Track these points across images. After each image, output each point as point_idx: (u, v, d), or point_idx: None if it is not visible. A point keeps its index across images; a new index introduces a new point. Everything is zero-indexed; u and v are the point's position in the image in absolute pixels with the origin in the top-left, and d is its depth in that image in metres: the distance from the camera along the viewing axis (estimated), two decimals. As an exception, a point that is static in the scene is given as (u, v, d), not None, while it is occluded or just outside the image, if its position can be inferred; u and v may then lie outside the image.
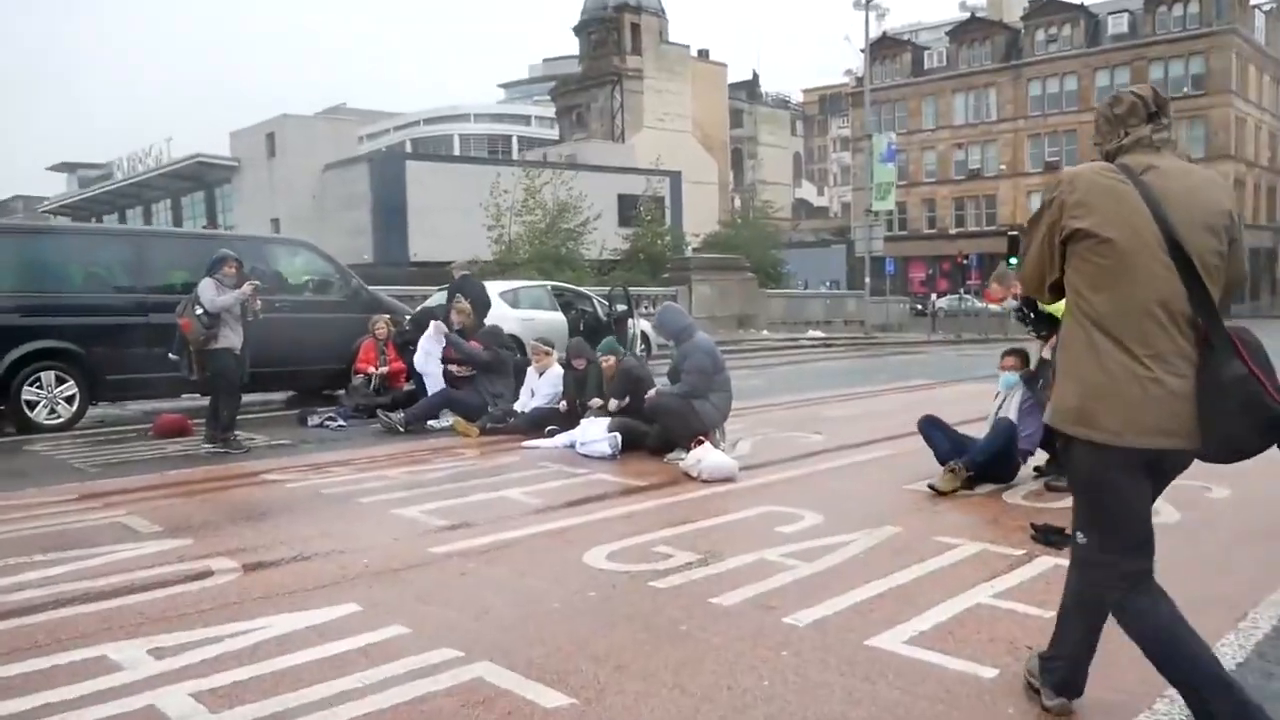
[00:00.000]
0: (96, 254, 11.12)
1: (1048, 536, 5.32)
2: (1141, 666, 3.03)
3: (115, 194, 57.52)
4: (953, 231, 63.35)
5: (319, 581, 4.61)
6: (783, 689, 3.39)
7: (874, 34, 69.65)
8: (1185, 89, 55.11)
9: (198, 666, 3.54)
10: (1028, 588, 4.56)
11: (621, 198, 42.82)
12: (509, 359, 10.03)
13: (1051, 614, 4.06)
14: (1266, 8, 62.28)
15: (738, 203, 66.96)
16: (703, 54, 72.71)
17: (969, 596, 4.41)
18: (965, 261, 49.69)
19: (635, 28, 61.92)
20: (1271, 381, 2.66)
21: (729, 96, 77.69)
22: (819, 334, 29.01)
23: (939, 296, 51.68)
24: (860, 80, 66.09)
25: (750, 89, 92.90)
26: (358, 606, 4.21)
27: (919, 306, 46.46)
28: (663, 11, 64.73)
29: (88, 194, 62.79)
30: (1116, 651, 3.20)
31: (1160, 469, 2.87)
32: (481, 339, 9.92)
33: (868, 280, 31.49)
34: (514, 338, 12.41)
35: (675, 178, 47.80)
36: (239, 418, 8.97)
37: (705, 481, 6.83)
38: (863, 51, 66.70)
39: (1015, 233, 43.46)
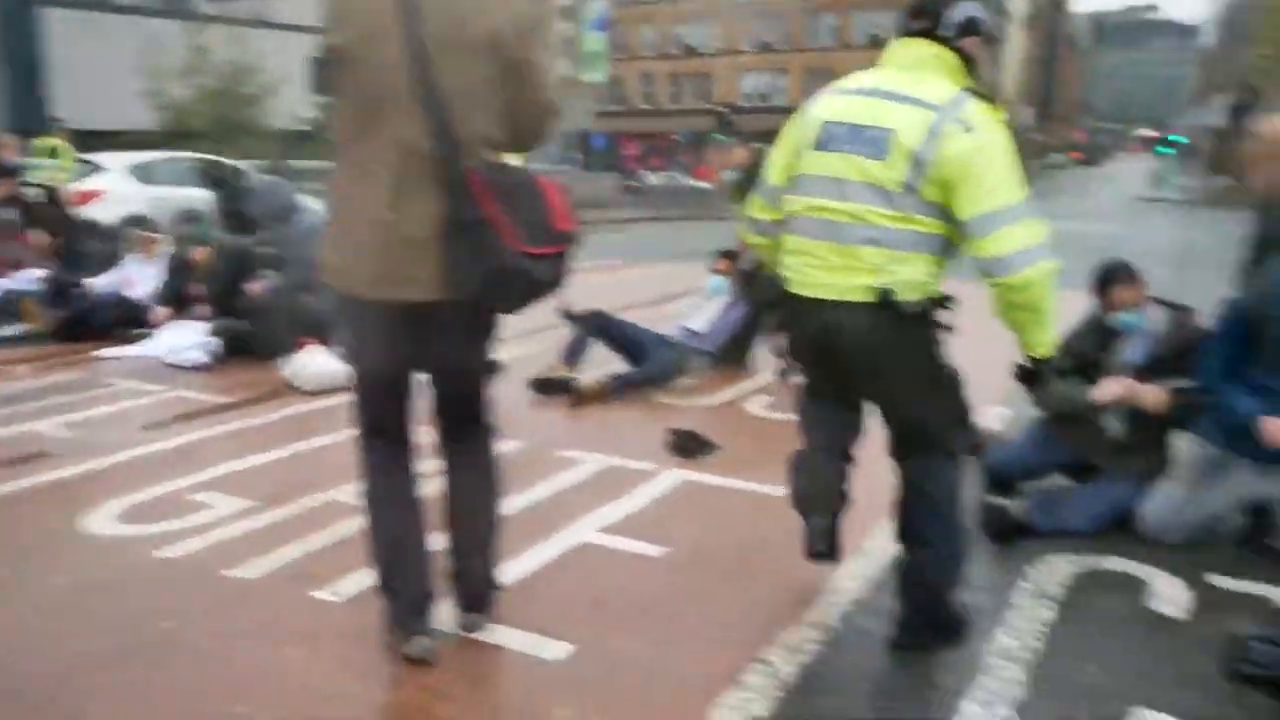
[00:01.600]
0: None
1: (685, 443, 4.73)
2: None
3: None
4: (669, 108, 63.41)
5: None
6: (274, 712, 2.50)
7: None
8: (885, -24, 57.44)
9: None
10: (641, 518, 3.90)
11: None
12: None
13: (666, 551, 3.44)
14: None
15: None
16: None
17: (573, 533, 3.69)
18: (677, 139, 49.85)
19: None
20: (518, 229, 2.34)
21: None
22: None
23: (651, 173, 51.89)
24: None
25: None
26: None
27: (631, 183, 46.36)
28: None
29: None
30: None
31: (425, 323, 2.45)
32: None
33: (577, 156, 30.65)
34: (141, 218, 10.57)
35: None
36: None
37: (310, 394, 5.70)
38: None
39: (725, 109, 44.05)
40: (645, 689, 2.62)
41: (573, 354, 5.94)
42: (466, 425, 2.76)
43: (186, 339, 6.40)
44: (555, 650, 2.79)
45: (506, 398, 3.64)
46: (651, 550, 3.53)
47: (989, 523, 3.69)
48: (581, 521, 3.78)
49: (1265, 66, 61.44)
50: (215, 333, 6.44)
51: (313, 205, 8.36)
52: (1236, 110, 69.76)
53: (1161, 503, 3.66)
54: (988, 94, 2.55)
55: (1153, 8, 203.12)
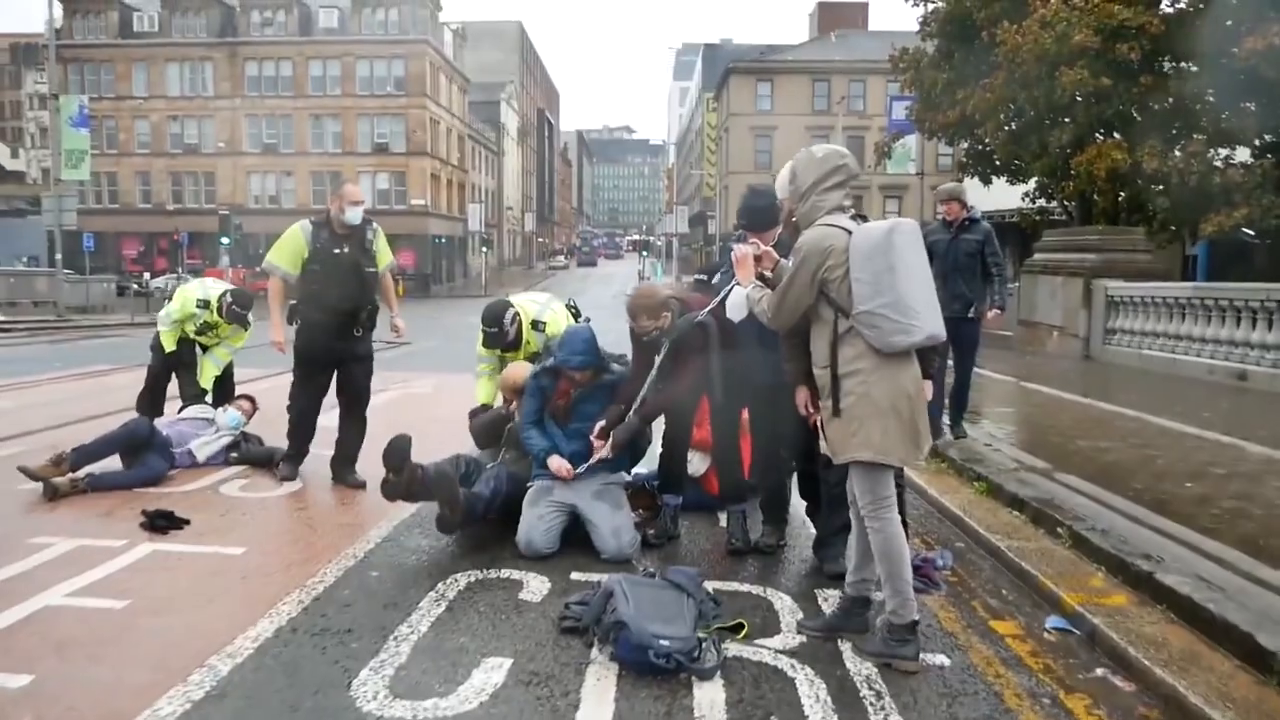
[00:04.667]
0: None
1: (155, 521, 5.27)
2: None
3: None
4: (170, 207, 60.21)
5: None
6: None
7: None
8: (389, 89, 59.80)
9: None
10: (127, 576, 4.44)
11: None
12: None
13: (125, 606, 4.01)
14: (454, 25, 70.24)
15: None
16: None
17: (45, 597, 4.14)
18: (179, 239, 47.61)
19: None
20: None
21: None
22: (-2, 317, 25.38)
23: (154, 275, 48.97)
24: (59, 33, 59.21)
25: (-88, 24, 77.63)
26: None
27: (134, 285, 43.48)
28: None
29: None
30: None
31: None
32: None
33: (59, 257, 28.27)
34: None
35: None
36: None
37: None
38: (61, 1, 60.32)
39: (226, 211, 43.04)
40: (96, 698, 3.23)
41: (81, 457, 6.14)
42: None
43: None
44: (18, 680, 3.31)
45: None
46: (116, 604, 4.10)
47: None
48: (52, 590, 4.24)
49: (710, 184, 73.06)
50: None
51: None
52: (693, 220, 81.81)
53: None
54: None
55: (628, 128, 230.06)
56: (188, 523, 5.33)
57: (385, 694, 3.32)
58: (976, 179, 26.74)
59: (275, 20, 61.35)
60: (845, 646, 3.87)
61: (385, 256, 6.66)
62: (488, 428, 6.00)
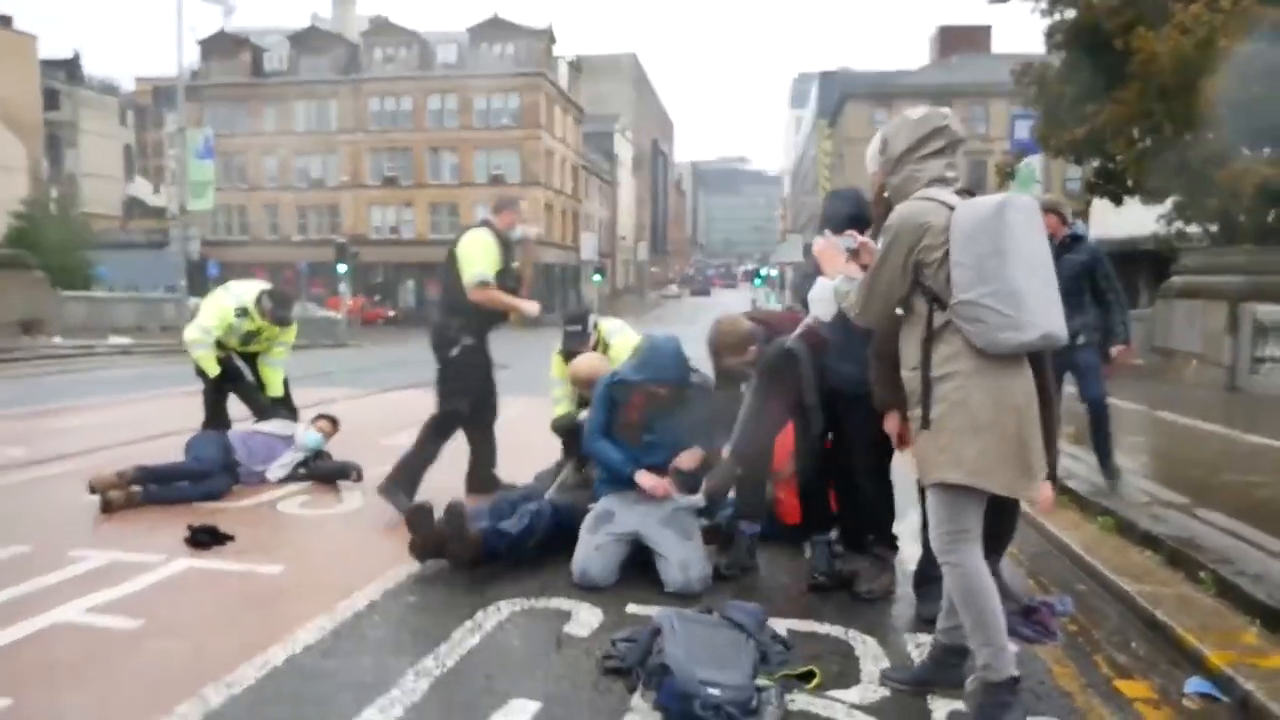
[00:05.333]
0: None
1: (197, 536, 4.98)
2: None
3: None
4: (296, 239, 62.42)
5: None
6: None
7: (215, 30, 66.42)
8: (504, 121, 60.90)
9: None
10: (141, 596, 4.13)
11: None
12: None
13: (139, 626, 3.68)
14: (569, 58, 71.24)
15: (55, 194, 58.65)
16: (4, 20, 62.94)
17: (59, 611, 3.86)
18: (300, 269, 49.20)
19: (-96, -25, 51.11)
20: None
21: (43, 74, 68.19)
22: (123, 340, 26.28)
23: (278, 303, 50.57)
24: (196, 74, 62.29)
25: (71, 69, 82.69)
26: None
27: (255, 313, 44.97)
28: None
29: None
30: None
31: None
32: None
33: (183, 283, 29.33)
34: None
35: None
36: None
37: None
38: (199, 44, 63.61)
39: (345, 240, 44.22)
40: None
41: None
42: None
43: None
44: (-7, 707, 2.99)
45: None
46: (128, 623, 3.78)
47: None
48: (70, 605, 3.95)
49: (828, 213, 71.84)
50: None
51: None
52: (807, 249, 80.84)
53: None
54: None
55: (744, 159, 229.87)
56: (232, 539, 5.03)
57: (389, 731, 2.88)
58: (1107, 199, 25.37)
59: (396, 56, 63.26)
60: (937, 704, 3.26)
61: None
62: (567, 423, 5.65)
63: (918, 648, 3.77)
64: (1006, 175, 27.52)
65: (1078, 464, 7.17)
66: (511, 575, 4.57)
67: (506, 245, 6.11)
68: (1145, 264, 26.28)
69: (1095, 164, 23.88)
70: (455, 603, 4.19)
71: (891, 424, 3.55)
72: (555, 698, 3.22)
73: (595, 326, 6.03)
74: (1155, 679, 3.58)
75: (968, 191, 3.26)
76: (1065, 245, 6.35)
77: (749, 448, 4.56)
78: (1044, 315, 2.94)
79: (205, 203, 30.95)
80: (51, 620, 3.79)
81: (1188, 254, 19.06)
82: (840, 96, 66.87)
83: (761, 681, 3.18)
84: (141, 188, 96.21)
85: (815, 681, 3.35)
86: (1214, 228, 21.50)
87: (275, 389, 7.48)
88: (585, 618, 4.03)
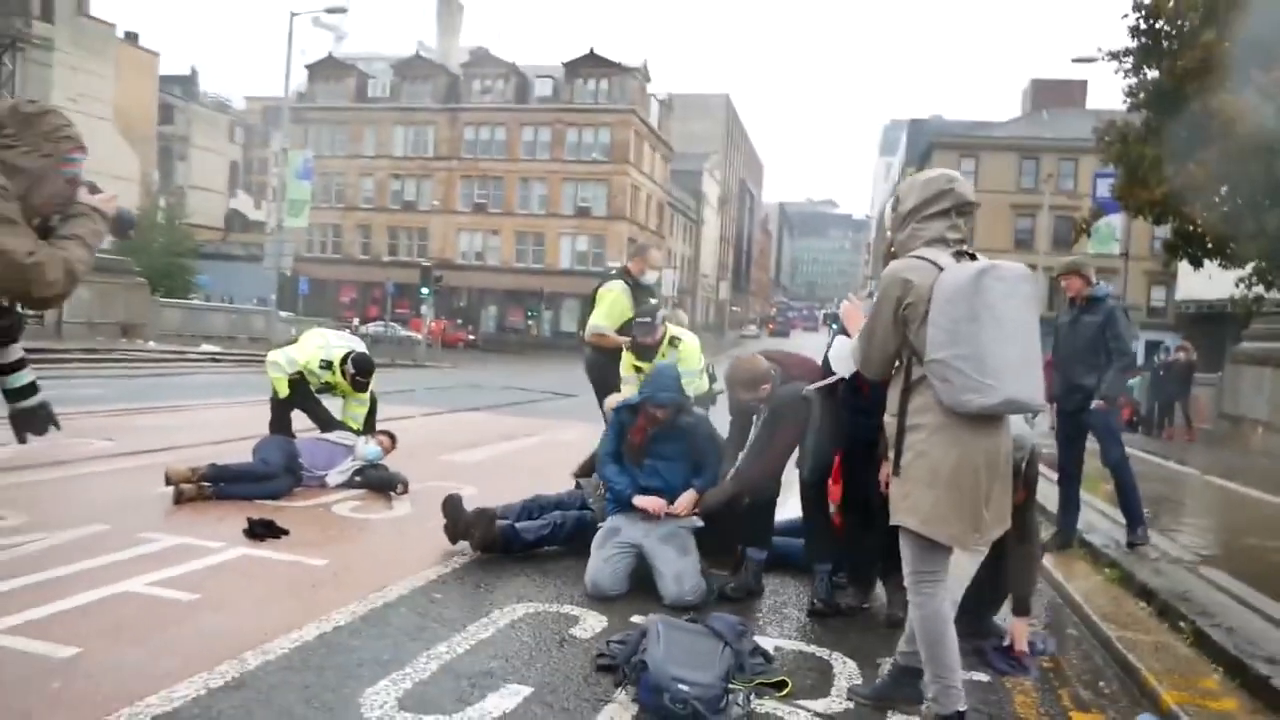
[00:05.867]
0: None
1: (255, 529, 5.50)
2: None
3: None
4: (385, 259, 64.33)
5: None
6: None
7: (323, 54, 69.20)
8: (594, 155, 62.14)
9: None
10: (198, 575, 4.64)
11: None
12: None
13: (197, 599, 4.18)
14: (661, 96, 72.41)
15: (164, 204, 61.46)
16: (130, 36, 66.28)
17: (127, 584, 4.38)
18: (388, 289, 50.75)
19: (46, -11, 53.95)
20: None
21: (160, 89, 71.66)
22: (213, 348, 27.55)
23: (365, 322, 52.22)
24: (303, 96, 64.95)
25: (187, 85, 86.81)
26: None
27: (345, 329, 46.44)
28: (83, -21, 57.34)
29: None
30: None
31: None
32: None
33: (273, 296, 30.66)
34: None
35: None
36: None
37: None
38: (307, 67, 66.42)
39: (431, 264, 45.48)
40: (121, 676, 3.35)
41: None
42: None
43: None
44: (65, 651, 3.49)
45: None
46: (185, 596, 4.28)
47: None
48: (136, 578, 4.47)
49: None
50: None
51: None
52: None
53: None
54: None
55: (831, 203, 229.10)
56: (286, 533, 5.53)
57: (392, 704, 3.29)
58: (1186, 261, 24.98)
59: (494, 88, 65.03)
60: (894, 719, 3.56)
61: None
62: None
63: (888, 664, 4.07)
64: (1083, 232, 27.32)
65: (1102, 520, 7.32)
66: (534, 582, 4.99)
67: (638, 288, 6.90)
68: (1232, 328, 25.80)
69: (1175, 225, 23.61)
70: (477, 602, 4.61)
71: (884, 471, 3.86)
72: (547, 685, 3.61)
73: (664, 322, 6.49)
74: (1110, 713, 3.82)
75: (970, 255, 3.40)
76: (1085, 307, 6.48)
77: (753, 476, 4.93)
78: (1012, 383, 3.14)
79: (301, 221, 32.38)
80: (120, 589, 4.31)
81: (1259, 319, 18.76)
82: (928, 145, 66.49)
83: (733, 685, 3.52)
84: (244, 202, 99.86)
85: (786, 690, 3.68)
86: (1294, 295, 21.04)
87: (356, 425, 7.99)
88: (591, 623, 4.42)
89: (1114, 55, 23.01)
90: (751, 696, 3.53)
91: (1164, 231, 24.20)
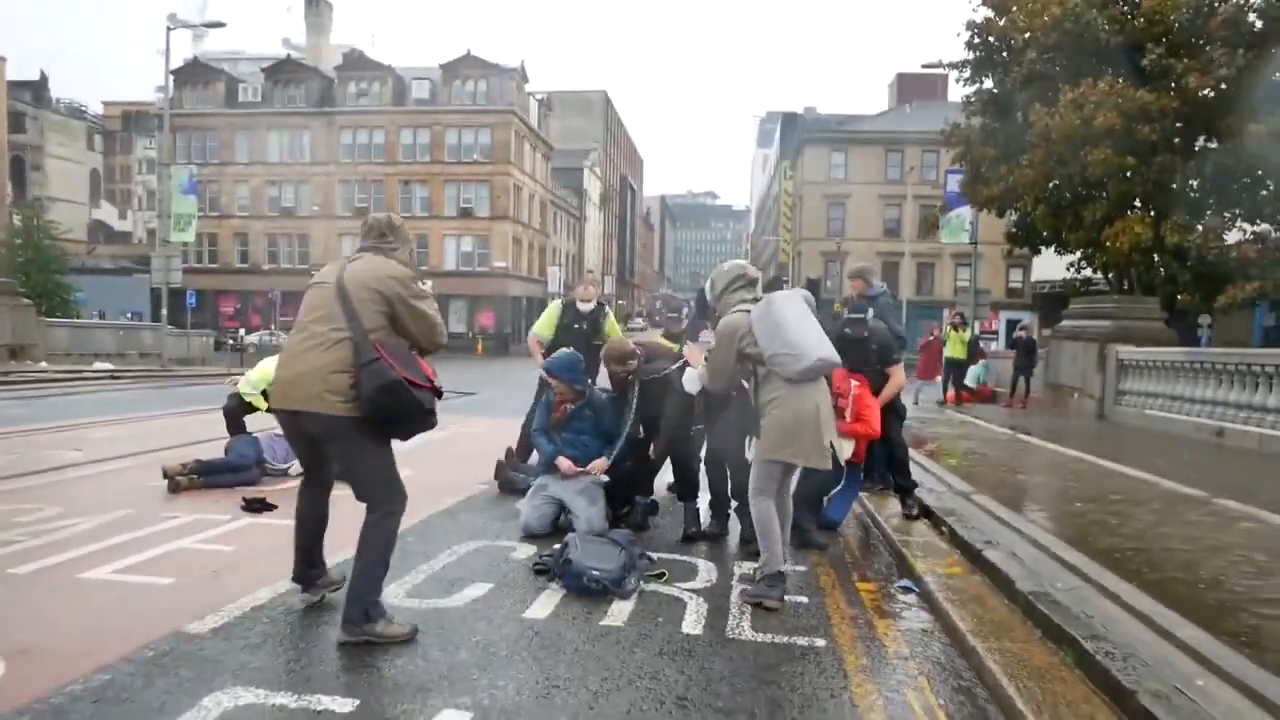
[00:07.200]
0: None
1: (251, 505, 7.00)
2: None
3: None
4: (266, 267, 64.00)
5: None
6: (35, 607, 4.51)
7: (188, 55, 68.04)
8: (475, 156, 63.08)
9: None
10: (225, 535, 6.15)
11: None
12: None
13: (232, 550, 5.68)
14: (540, 96, 73.70)
15: (17, 219, 59.70)
16: (-29, 41, 64.08)
17: (175, 544, 5.87)
18: (272, 297, 50.87)
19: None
20: (405, 369, 4.14)
21: (9, 95, 69.32)
22: (107, 366, 27.86)
23: (249, 332, 52.28)
24: (171, 101, 63.88)
25: (37, 91, 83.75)
26: None
27: (228, 340, 46.60)
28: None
29: None
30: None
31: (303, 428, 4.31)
32: None
33: (164, 312, 31.02)
34: None
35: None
36: None
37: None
38: (173, 72, 65.22)
39: (316, 270, 45.88)
40: (210, 591, 4.87)
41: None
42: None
43: None
44: (165, 580, 5.00)
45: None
46: (225, 548, 5.80)
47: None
48: (184, 539, 5.97)
49: (785, 249, 74.71)
50: None
51: None
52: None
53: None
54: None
55: (712, 194, 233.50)
56: (275, 507, 7.04)
57: (404, 595, 4.95)
58: (1026, 249, 27.87)
59: (370, 91, 65.16)
60: (736, 589, 5.35)
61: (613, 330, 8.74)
62: None
63: (738, 566, 5.86)
64: (933, 226, 30.13)
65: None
66: (480, 528, 6.64)
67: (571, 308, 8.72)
68: (1061, 306, 28.83)
69: (1014, 217, 26.45)
70: (451, 541, 6.25)
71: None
72: (503, 582, 5.29)
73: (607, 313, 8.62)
74: (881, 582, 5.71)
75: (778, 284, 5.46)
76: (868, 301, 8.29)
77: (665, 438, 6.72)
78: (815, 349, 5.00)
79: (187, 235, 32.73)
80: (173, 547, 5.80)
81: (1076, 300, 21.47)
82: (800, 141, 69.47)
83: (631, 577, 5.25)
84: (108, 212, 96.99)
85: (665, 578, 5.44)
86: (1109, 276, 23.99)
87: None
88: (525, 551, 6.09)
89: (954, 65, 25.71)
90: (641, 580, 5.28)
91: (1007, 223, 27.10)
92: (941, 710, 3.80)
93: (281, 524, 6.53)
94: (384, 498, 4.36)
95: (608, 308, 8.95)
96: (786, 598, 5.16)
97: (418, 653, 4.15)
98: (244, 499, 7.13)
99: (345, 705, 3.52)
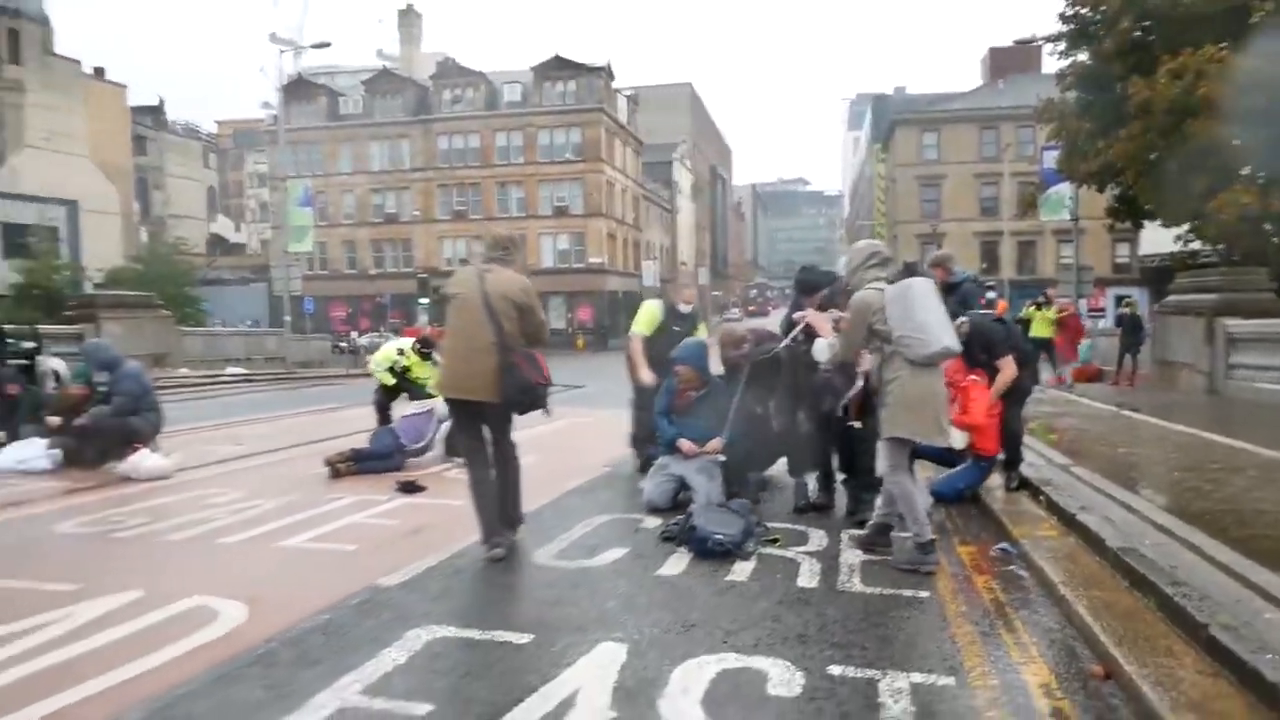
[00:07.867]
0: None
1: (405, 487, 7.84)
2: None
3: None
4: (373, 272, 66.34)
5: None
6: (251, 568, 5.39)
7: (289, 73, 70.81)
8: (567, 154, 64.27)
9: None
10: (388, 512, 7.00)
11: (6, 226, 39.39)
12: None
13: (397, 524, 6.49)
14: (627, 92, 74.63)
15: (145, 236, 63.05)
16: (98, 72, 67.82)
17: (349, 519, 6.73)
18: (381, 301, 52.73)
19: (14, 34, 55.26)
20: (533, 370, 5.60)
21: (131, 120, 73.18)
22: (240, 370, 29.67)
23: (360, 334, 54.33)
24: (277, 118, 66.68)
25: (155, 115, 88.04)
26: None
27: (341, 344, 48.64)
28: (47, 20, 58.44)
29: None
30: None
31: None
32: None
33: (287, 319, 32.80)
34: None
35: (71, 207, 44.74)
36: None
37: (144, 481, 8.35)
38: (279, 90, 68.12)
39: (425, 273, 47.61)
40: (401, 555, 5.64)
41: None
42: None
43: (32, 451, 8.74)
44: (349, 547, 5.82)
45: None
46: (390, 523, 6.62)
47: None
48: (353, 516, 6.82)
49: (880, 234, 74.05)
50: (57, 446, 8.85)
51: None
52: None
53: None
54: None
55: (803, 180, 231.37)
56: (425, 489, 7.88)
57: (553, 557, 5.68)
58: (1129, 224, 27.40)
59: (464, 97, 66.90)
60: (848, 553, 5.91)
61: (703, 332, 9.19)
62: None
63: (846, 535, 6.41)
64: (1030, 204, 29.84)
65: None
66: (617, 507, 7.33)
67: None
68: (1168, 279, 28.25)
69: (1116, 192, 26.03)
70: (574, 517, 6.96)
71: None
72: (635, 549, 5.97)
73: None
74: (981, 545, 6.20)
75: (910, 269, 6.04)
76: (949, 288, 8.55)
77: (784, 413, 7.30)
78: (943, 337, 5.47)
79: (305, 245, 34.52)
80: (347, 522, 6.67)
81: (1182, 274, 21.14)
82: (890, 123, 68.71)
83: (749, 543, 5.87)
84: (224, 226, 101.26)
85: (779, 543, 6.04)
86: (1217, 247, 23.52)
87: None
88: (651, 522, 6.76)
89: (1048, 39, 25.48)
90: (758, 545, 5.89)
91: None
92: (1034, 646, 4.32)
93: (432, 503, 7.40)
94: (512, 444, 6.00)
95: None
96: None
97: (570, 601, 4.86)
98: (398, 482, 8.01)
99: (522, 638, 4.24)
